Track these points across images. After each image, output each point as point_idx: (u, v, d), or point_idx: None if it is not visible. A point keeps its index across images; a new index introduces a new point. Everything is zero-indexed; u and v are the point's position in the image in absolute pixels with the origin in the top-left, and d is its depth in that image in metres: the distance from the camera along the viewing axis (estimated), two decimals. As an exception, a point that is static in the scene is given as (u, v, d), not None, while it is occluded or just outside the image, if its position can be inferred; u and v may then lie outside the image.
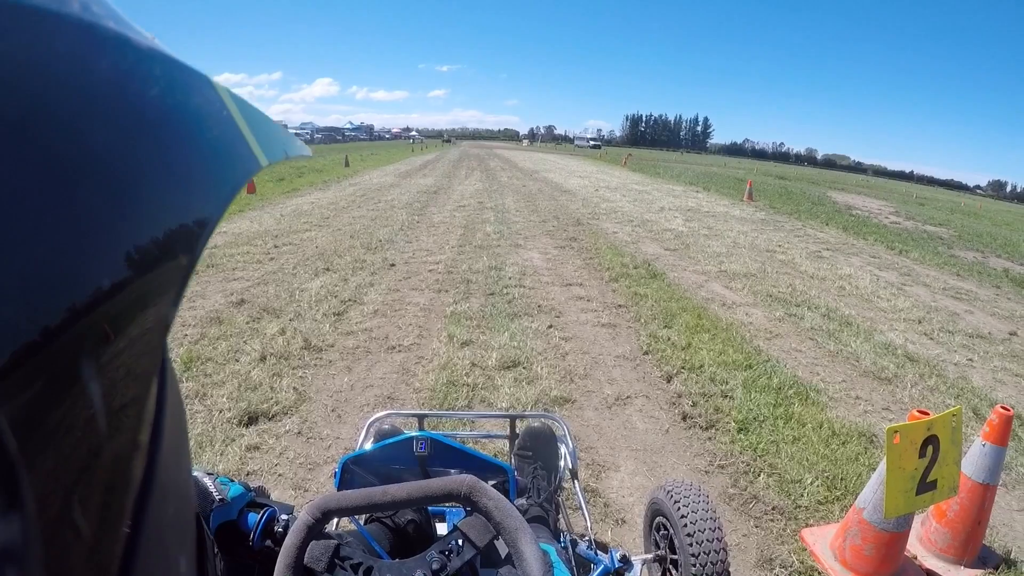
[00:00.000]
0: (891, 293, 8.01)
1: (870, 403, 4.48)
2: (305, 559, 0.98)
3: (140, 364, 0.27)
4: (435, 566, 1.00)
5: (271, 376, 4.32)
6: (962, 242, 15.18)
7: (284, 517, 1.18)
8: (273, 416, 3.78)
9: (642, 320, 5.96)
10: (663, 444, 3.70)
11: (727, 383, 4.50)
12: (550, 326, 5.64)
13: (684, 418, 4.01)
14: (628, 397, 4.28)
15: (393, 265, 8.00)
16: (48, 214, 0.21)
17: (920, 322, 6.75)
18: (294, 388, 4.16)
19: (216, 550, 0.93)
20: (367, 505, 1.02)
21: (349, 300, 6.25)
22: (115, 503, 0.26)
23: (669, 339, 5.38)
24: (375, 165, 32.02)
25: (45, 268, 0.21)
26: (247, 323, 5.43)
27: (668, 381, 4.56)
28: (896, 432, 2.41)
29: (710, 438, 3.78)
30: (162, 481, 0.30)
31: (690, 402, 4.20)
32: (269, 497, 1.31)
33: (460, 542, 1.03)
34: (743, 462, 3.50)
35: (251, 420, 3.70)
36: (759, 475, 3.38)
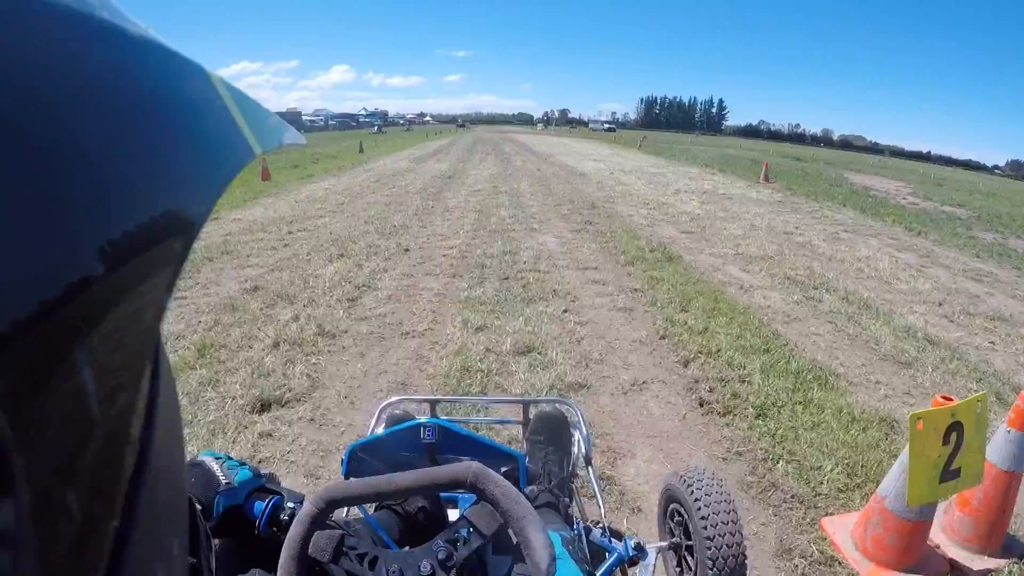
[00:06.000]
0: (910, 275, 7.87)
1: (891, 388, 4.40)
2: (310, 549, 0.96)
3: (133, 350, 0.27)
4: (441, 555, 0.99)
5: (284, 363, 4.31)
6: (981, 223, 14.93)
7: (290, 505, 1.17)
8: (286, 403, 3.78)
9: (658, 304, 5.89)
10: (680, 430, 3.65)
11: (745, 368, 4.43)
12: (565, 310, 5.59)
13: (701, 404, 3.95)
14: (644, 383, 4.23)
15: (407, 250, 7.98)
16: (39, 203, 0.21)
17: (940, 304, 6.63)
18: (307, 375, 4.15)
19: (210, 536, 0.89)
20: (372, 494, 1.00)
21: (363, 286, 6.23)
22: (108, 487, 0.26)
23: (686, 323, 5.31)
24: (389, 151, 32.02)
25: (36, 253, 0.21)
26: (261, 310, 5.44)
27: (685, 366, 4.51)
28: (919, 418, 2.35)
29: (728, 424, 3.72)
30: (155, 466, 0.30)
31: (707, 387, 4.14)
32: (280, 484, 1.29)
33: (467, 531, 1.01)
34: (761, 449, 3.45)
35: (264, 407, 3.70)
36: (778, 462, 3.33)
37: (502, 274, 6.80)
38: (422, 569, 0.97)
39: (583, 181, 17.71)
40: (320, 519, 0.98)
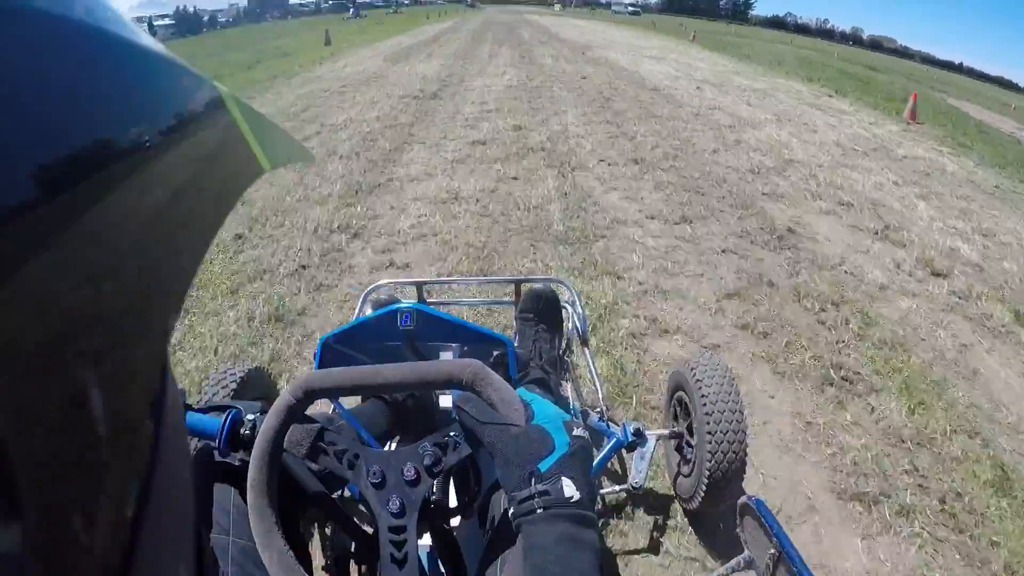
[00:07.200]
0: None
1: None
2: (285, 443, 0.86)
3: (141, 374, 0.27)
4: (427, 461, 0.86)
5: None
6: None
7: (250, 417, 1.04)
8: None
9: None
10: None
11: None
12: None
13: None
14: None
15: None
16: (60, 216, 0.21)
17: None
18: None
19: (216, 560, 0.80)
20: (355, 386, 0.90)
21: None
22: (114, 511, 0.25)
23: None
24: (370, 40, 24.56)
25: (46, 276, 0.20)
26: None
27: None
28: None
29: None
30: (161, 490, 0.29)
31: None
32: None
33: (457, 434, 0.87)
34: None
35: None
36: None
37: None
38: (406, 473, 0.86)
39: (665, 103, 10.54)
40: (297, 411, 0.88)
